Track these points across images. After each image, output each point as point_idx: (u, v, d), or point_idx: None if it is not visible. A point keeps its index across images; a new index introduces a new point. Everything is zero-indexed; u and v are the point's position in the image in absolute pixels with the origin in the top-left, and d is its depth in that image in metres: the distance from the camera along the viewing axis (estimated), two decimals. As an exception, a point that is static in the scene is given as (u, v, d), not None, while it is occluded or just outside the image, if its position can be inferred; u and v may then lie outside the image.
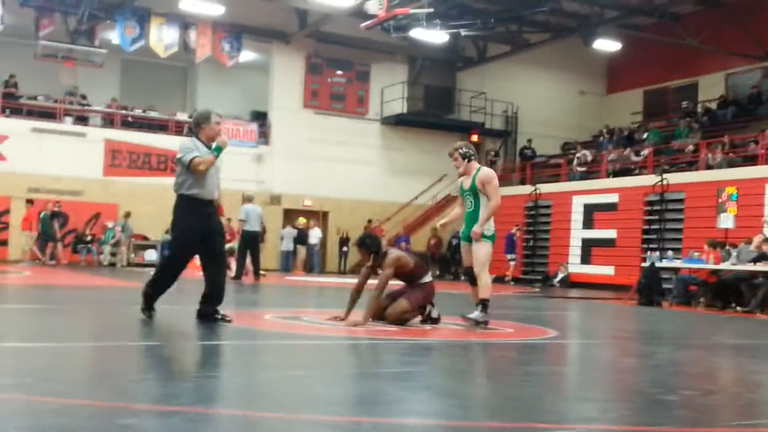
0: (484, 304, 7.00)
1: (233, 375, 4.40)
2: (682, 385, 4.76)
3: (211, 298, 6.57)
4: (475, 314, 6.99)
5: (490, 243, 7.06)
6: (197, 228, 6.44)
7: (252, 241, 14.61)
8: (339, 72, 25.53)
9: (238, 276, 14.33)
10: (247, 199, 14.89)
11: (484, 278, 7.02)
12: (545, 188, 22.71)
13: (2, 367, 4.16)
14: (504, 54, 25.50)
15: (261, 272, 15.16)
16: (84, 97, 23.74)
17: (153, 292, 6.58)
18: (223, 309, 6.66)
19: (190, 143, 6.51)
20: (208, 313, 6.55)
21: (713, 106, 23.36)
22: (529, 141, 26.37)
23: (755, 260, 12.52)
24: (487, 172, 7.26)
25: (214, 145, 6.42)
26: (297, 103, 24.99)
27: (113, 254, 21.29)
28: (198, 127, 6.58)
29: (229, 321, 6.53)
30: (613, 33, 22.85)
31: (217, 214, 6.66)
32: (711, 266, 13.23)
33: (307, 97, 25.09)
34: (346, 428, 3.02)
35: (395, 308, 7.06)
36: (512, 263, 22.00)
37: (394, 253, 7.19)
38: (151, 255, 21.97)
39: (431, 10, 19.16)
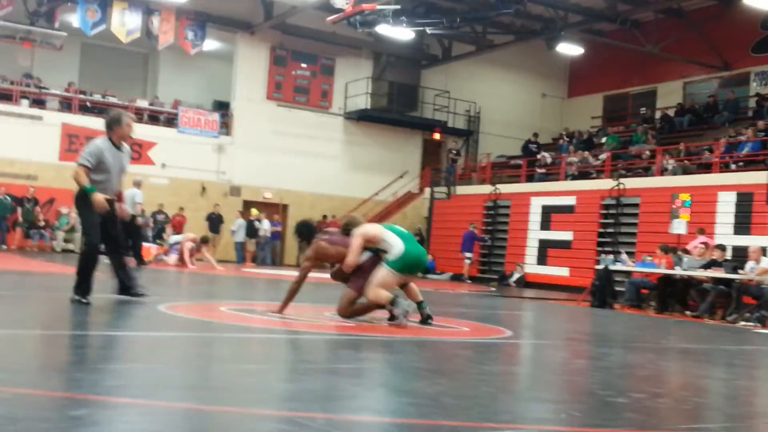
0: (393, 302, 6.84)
1: (185, 367, 4.36)
2: (631, 387, 4.85)
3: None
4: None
5: (388, 269, 6.90)
6: (99, 220, 6.82)
7: (125, 226, 14.61)
8: (303, 65, 25.42)
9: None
10: (135, 183, 15.22)
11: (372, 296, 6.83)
12: (505, 188, 22.91)
13: (-51, 355, 4.07)
14: (468, 54, 25.65)
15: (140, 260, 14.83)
16: (40, 80, 23.25)
17: (80, 281, 6.77)
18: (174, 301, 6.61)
19: (99, 145, 6.77)
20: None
21: (671, 113, 23.82)
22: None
23: (705, 266, 12.80)
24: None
25: (89, 186, 6.64)
26: (260, 95, 24.82)
27: (66, 240, 20.91)
28: (110, 129, 6.88)
29: (141, 294, 7.19)
30: (576, 37, 23.15)
31: (112, 207, 6.98)
32: (663, 271, 13.49)
33: (270, 88, 24.92)
34: (299, 424, 3.02)
35: (341, 301, 7.05)
36: (468, 262, 22.15)
37: (316, 242, 7.12)
38: (106, 243, 21.62)
39: (398, 6, 19.22)
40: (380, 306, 6.90)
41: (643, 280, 14.28)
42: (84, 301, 6.63)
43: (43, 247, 20.88)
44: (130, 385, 3.55)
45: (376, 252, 7.05)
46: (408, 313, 6.76)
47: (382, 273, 6.86)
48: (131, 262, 14.64)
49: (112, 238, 7.05)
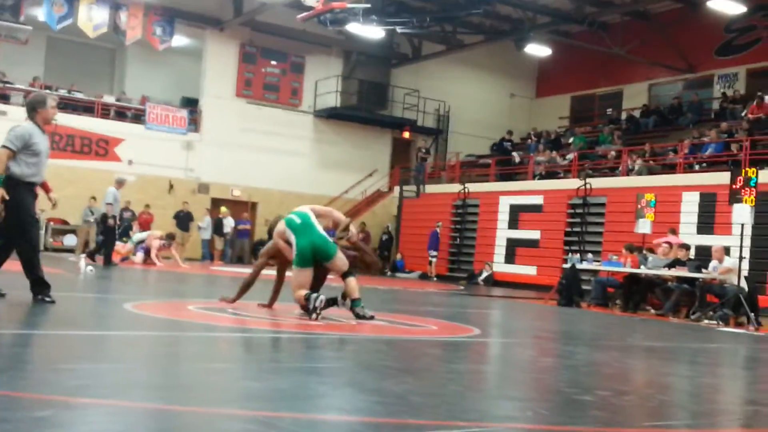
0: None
1: (152, 367, 4.32)
2: (597, 385, 4.91)
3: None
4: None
5: (295, 267, 7.16)
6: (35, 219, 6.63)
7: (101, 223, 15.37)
8: (273, 62, 25.29)
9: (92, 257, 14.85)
10: (117, 182, 15.48)
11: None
12: (473, 187, 23.03)
13: None
14: (438, 53, 25.73)
15: (94, 255, 15.07)
16: (5, 74, 22.83)
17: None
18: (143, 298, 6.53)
19: (27, 127, 6.48)
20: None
21: (636, 114, 24.14)
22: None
23: (669, 266, 13.00)
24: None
25: (2, 175, 6.31)
26: (229, 92, 24.64)
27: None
28: (34, 111, 6.56)
29: (51, 302, 6.49)
30: (544, 38, 23.33)
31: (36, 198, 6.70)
32: (628, 270, 13.67)
33: (240, 86, 24.76)
34: (266, 423, 3.01)
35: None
36: (434, 260, 22.22)
37: (271, 241, 7.58)
38: (71, 240, 21.35)
39: (368, 5, 19.18)
40: (303, 304, 7.01)
41: (609, 278, 14.45)
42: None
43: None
44: (96, 385, 3.51)
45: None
46: (321, 304, 6.88)
47: (294, 273, 7.16)
48: (99, 260, 14.61)
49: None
